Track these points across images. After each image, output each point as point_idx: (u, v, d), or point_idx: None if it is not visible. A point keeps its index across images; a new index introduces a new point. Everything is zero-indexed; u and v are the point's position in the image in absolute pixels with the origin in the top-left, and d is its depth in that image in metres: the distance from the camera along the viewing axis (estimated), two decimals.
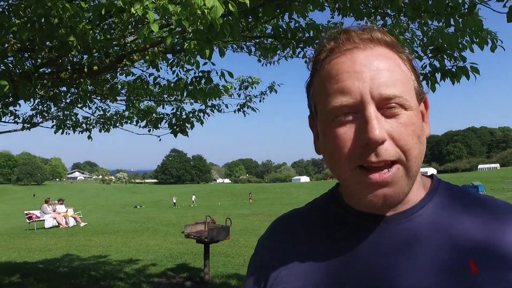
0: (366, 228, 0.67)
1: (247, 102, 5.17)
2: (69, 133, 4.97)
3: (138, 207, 48.76)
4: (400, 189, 0.62)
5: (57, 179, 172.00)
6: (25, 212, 16.72)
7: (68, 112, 4.54)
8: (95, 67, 3.01)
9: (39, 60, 2.98)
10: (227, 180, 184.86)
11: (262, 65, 4.52)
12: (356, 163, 0.61)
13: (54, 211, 16.12)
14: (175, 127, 4.07)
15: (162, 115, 4.53)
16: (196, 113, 4.23)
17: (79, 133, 4.98)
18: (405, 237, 0.65)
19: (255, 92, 5.28)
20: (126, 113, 5.10)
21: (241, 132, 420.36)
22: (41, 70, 2.88)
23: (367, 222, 0.68)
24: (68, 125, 4.79)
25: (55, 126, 4.56)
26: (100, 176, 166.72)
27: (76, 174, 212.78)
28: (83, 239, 11.79)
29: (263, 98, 5.34)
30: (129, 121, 5.04)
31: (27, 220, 15.76)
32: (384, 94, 0.59)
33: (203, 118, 4.35)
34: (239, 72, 4.98)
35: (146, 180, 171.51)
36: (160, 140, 5.24)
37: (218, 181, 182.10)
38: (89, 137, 5.03)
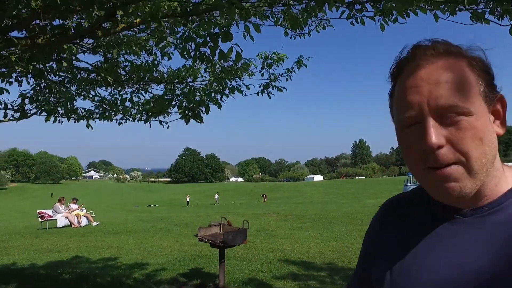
0: (449, 220, 0.76)
1: (271, 81, 4.45)
2: (62, 121, 4.44)
3: (151, 206, 48.73)
4: (463, 185, 0.68)
5: (73, 178, 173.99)
6: (38, 211, 16.51)
7: (63, 99, 3.99)
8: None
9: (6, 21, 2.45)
10: (240, 179, 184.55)
11: (290, 38, 3.90)
12: (423, 166, 0.70)
13: (67, 210, 15.87)
14: (186, 111, 3.52)
15: (171, 96, 3.95)
16: (212, 94, 3.65)
17: (75, 121, 4.43)
18: (480, 231, 0.71)
19: (280, 70, 4.54)
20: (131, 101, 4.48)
21: (254, 131, 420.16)
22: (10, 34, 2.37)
23: (449, 214, 0.76)
24: (60, 112, 4.21)
25: (45, 114, 4.00)
26: (115, 175, 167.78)
27: (92, 173, 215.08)
28: (94, 240, 11.42)
29: (290, 76, 4.58)
30: (135, 108, 4.43)
31: (40, 219, 15.57)
32: (440, 105, 0.67)
33: (221, 100, 3.77)
34: (261, 48, 4.34)
35: (160, 179, 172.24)
36: (168, 127, 4.67)
37: (231, 180, 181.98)
38: (88, 125, 4.49)
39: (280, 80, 4.47)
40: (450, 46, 0.71)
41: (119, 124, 4.77)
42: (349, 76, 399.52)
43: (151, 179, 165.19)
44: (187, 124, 3.45)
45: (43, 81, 3.78)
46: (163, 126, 4.59)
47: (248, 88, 4.33)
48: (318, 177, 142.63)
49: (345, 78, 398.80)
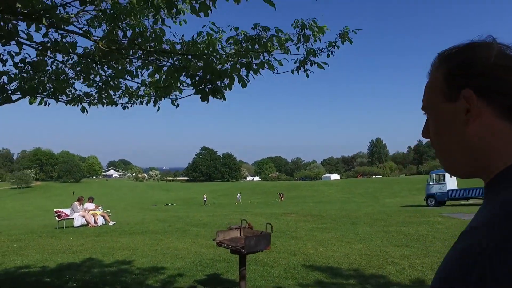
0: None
1: (309, 56, 3.60)
2: (49, 104, 3.86)
3: (169, 204, 48.71)
4: (446, 165, 0.85)
5: (94, 177, 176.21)
6: (55, 210, 16.26)
7: (53, 77, 3.42)
8: None
9: None
10: (256, 178, 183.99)
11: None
12: None
13: (84, 210, 15.55)
14: (202, 86, 2.87)
15: (178, 64, 3.18)
16: (238, 65, 2.94)
17: (67, 104, 3.85)
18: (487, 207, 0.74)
19: (319, 45, 3.71)
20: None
21: (270, 130, 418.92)
22: None
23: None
24: (49, 89, 3.61)
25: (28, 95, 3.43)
26: (134, 174, 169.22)
27: (111, 172, 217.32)
28: (110, 241, 10.99)
29: (332, 51, 3.73)
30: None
31: (57, 218, 15.30)
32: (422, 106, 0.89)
33: (246, 76, 3.04)
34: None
35: (178, 178, 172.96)
36: (177, 106, 4.05)
37: (248, 179, 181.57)
38: (83, 109, 3.93)
39: (320, 55, 3.64)
40: (443, 55, 0.84)
41: (124, 108, 4.20)
42: (366, 74, 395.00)
43: (168, 178, 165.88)
44: (203, 101, 2.83)
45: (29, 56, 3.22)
46: (176, 107, 3.98)
47: (280, 63, 3.51)
48: (335, 176, 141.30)
49: (361, 76, 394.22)
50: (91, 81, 3.61)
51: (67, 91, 3.55)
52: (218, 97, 2.84)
